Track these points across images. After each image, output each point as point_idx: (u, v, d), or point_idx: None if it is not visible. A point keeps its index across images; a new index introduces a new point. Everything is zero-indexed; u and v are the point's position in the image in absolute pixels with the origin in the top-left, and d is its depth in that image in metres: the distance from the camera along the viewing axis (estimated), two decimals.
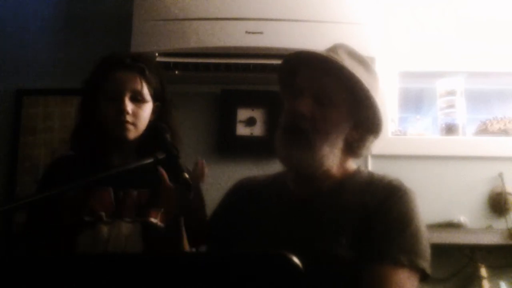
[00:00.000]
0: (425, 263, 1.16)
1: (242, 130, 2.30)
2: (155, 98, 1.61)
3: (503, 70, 2.40)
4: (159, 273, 0.72)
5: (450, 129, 2.27)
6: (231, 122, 2.30)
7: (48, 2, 2.50)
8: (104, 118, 1.57)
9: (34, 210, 1.57)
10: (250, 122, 2.31)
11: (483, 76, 2.43)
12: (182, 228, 1.34)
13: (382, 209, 1.20)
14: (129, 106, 1.54)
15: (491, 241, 2.08)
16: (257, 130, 2.30)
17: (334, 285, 1.14)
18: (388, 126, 2.27)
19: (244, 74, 2.23)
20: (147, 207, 1.54)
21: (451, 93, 2.30)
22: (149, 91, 1.59)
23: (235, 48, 2.12)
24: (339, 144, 1.27)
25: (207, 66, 2.19)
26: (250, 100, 2.33)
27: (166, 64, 2.13)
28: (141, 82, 1.57)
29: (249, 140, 2.28)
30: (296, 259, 0.69)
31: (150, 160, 1.26)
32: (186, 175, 1.24)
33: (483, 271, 2.04)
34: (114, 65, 1.60)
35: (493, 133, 2.27)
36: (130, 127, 1.55)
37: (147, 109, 1.59)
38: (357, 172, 1.32)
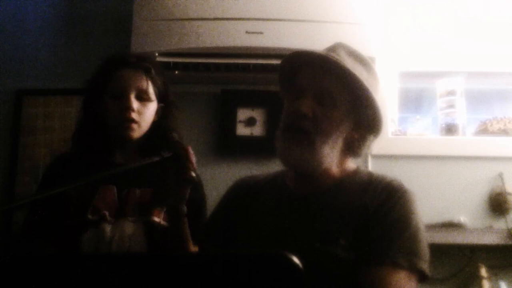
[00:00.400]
0: (424, 265, 1.16)
1: (242, 130, 2.30)
2: (159, 98, 1.61)
3: (503, 70, 2.40)
4: (159, 273, 0.72)
5: (450, 129, 2.27)
6: (231, 122, 2.30)
7: (48, 2, 2.50)
8: (108, 116, 1.56)
9: (35, 208, 1.56)
10: (250, 122, 2.31)
11: (483, 76, 2.43)
12: (186, 227, 1.34)
13: (382, 210, 1.20)
14: (135, 104, 1.54)
15: (491, 241, 2.08)
16: (257, 130, 2.30)
17: (332, 285, 1.14)
18: (388, 126, 2.27)
19: (244, 74, 2.23)
20: (150, 206, 1.53)
21: (451, 93, 2.29)
22: (154, 90, 1.59)
23: (235, 48, 2.12)
24: (339, 144, 1.27)
25: (207, 66, 2.19)
26: (250, 100, 2.33)
27: (166, 64, 2.13)
28: (147, 81, 1.57)
29: (249, 140, 2.28)
30: (296, 259, 0.69)
31: (156, 159, 1.25)
32: (193, 174, 1.24)
33: (483, 271, 2.04)
34: (119, 63, 1.59)
35: (493, 133, 2.27)
36: (134, 125, 1.54)
37: (152, 109, 1.59)
38: (356, 172, 1.32)
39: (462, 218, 2.16)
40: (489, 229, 2.14)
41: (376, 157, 2.19)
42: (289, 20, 2.11)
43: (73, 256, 0.83)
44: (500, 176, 2.19)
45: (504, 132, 2.26)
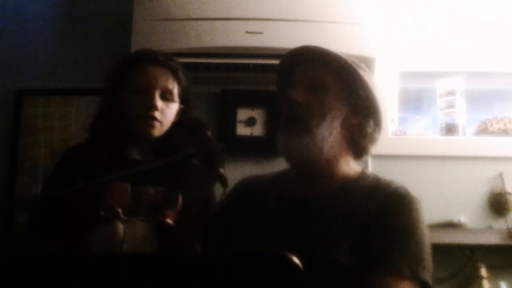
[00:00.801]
0: (427, 274, 1.15)
1: (242, 130, 2.30)
2: (181, 100, 1.59)
3: (503, 70, 2.40)
4: (159, 273, 0.72)
5: (450, 129, 2.27)
6: (231, 122, 2.30)
7: (48, 2, 2.50)
8: (129, 112, 1.53)
9: (45, 202, 1.51)
10: (250, 122, 2.30)
11: (483, 76, 2.43)
12: (196, 229, 1.34)
13: (387, 217, 1.19)
14: (159, 103, 1.51)
15: (491, 241, 2.08)
16: (257, 130, 2.30)
17: None
18: (388, 126, 2.27)
19: (244, 74, 2.23)
20: (163, 207, 1.50)
21: (451, 93, 2.29)
22: (178, 91, 1.57)
23: (235, 48, 2.12)
24: (337, 127, 1.26)
25: (207, 66, 2.19)
26: (250, 100, 2.33)
27: None
28: (173, 82, 1.55)
29: (249, 140, 2.28)
30: (296, 259, 0.69)
31: (181, 156, 1.23)
32: (222, 171, 1.22)
33: (483, 271, 2.04)
34: (146, 59, 1.57)
35: (493, 133, 2.27)
36: (157, 124, 1.51)
37: (174, 109, 1.57)
38: (362, 176, 1.31)
39: (462, 218, 2.16)
40: (489, 229, 2.14)
41: (376, 157, 2.18)
42: (289, 20, 2.11)
43: (73, 256, 0.83)
44: (500, 176, 2.19)
45: (504, 132, 2.26)
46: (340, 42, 1.94)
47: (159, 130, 1.53)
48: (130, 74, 1.55)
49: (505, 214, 2.14)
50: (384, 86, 2.21)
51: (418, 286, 1.15)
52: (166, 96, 1.54)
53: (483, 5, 2.38)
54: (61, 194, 1.36)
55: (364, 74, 1.31)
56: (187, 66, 2.18)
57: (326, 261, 1.14)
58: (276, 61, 2.12)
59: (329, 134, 1.25)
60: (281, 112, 1.33)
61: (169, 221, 1.49)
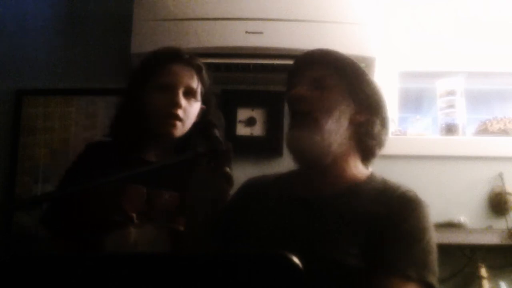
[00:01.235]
0: (433, 278, 1.15)
1: (242, 130, 2.30)
2: (203, 100, 1.57)
3: (503, 70, 2.40)
4: (159, 273, 0.72)
5: (450, 129, 2.27)
6: (231, 122, 2.30)
7: (48, 2, 2.50)
8: (151, 109, 1.51)
9: (61, 201, 1.49)
10: (250, 122, 2.30)
11: (483, 76, 2.42)
12: (206, 233, 1.34)
13: (395, 220, 1.18)
14: (182, 101, 1.49)
15: (491, 241, 2.08)
16: (257, 130, 2.30)
17: None
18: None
19: (244, 74, 2.23)
20: (177, 213, 1.47)
21: (451, 93, 2.29)
22: (201, 91, 1.55)
23: (235, 48, 2.12)
24: (344, 124, 1.26)
25: (207, 66, 2.19)
26: (250, 100, 2.33)
27: None
28: (197, 80, 1.54)
29: (249, 140, 2.28)
30: (296, 259, 0.69)
31: (190, 154, 1.22)
32: (228, 169, 1.21)
33: (483, 271, 2.04)
34: (171, 57, 1.55)
35: (493, 133, 2.27)
36: (179, 123, 1.49)
37: (197, 109, 1.55)
38: (370, 178, 1.31)
39: (462, 218, 2.16)
40: (489, 229, 2.14)
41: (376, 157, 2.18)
42: (289, 20, 2.11)
43: (73, 256, 0.83)
44: (500, 176, 2.19)
45: (504, 132, 2.26)
46: (340, 42, 1.94)
47: (180, 129, 1.50)
48: (153, 72, 1.53)
49: (505, 214, 2.14)
50: (384, 86, 2.21)
51: None
52: (190, 95, 1.52)
53: (483, 5, 2.38)
54: (69, 194, 1.35)
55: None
56: None
57: (326, 261, 1.14)
58: (276, 61, 2.15)
59: (337, 129, 1.25)
60: (289, 108, 1.34)
61: (183, 228, 1.47)
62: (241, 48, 2.12)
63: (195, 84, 1.54)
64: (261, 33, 2.10)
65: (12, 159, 2.32)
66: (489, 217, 2.18)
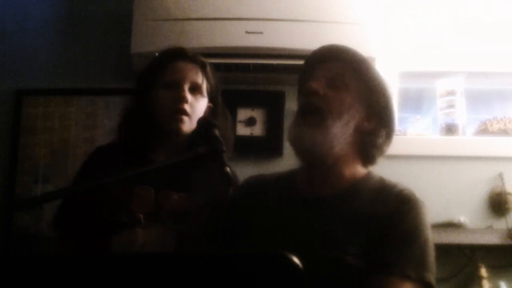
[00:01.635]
0: (432, 276, 1.16)
1: (242, 130, 2.30)
2: (209, 97, 1.59)
3: (503, 70, 2.40)
4: (159, 273, 0.72)
5: (450, 129, 2.27)
6: (231, 122, 2.30)
7: (48, 2, 2.50)
8: (158, 106, 1.53)
9: (69, 200, 1.51)
10: (250, 122, 2.30)
11: (483, 76, 2.42)
12: (208, 234, 1.34)
13: (393, 219, 1.19)
14: (188, 96, 1.52)
15: (491, 241, 2.08)
16: (257, 130, 2.30)
17: None
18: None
19: (244, 74, 2.23)
20: (184, 214, 1.48)
21: (451, 93, 2.29)
22: (206, 87, 1.57)
23: (235, 48, 2.12)
24: (350, 128, 1.26)
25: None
26: (250, 100, 2.32)
27: None
28: (202, 75, 1.56)
29: (249, 140, 2.28)
30: (296, 259, 0.69)
31: (190, 155, 1.22)
32: (229, 170, 1.20)
33: (483, 271, 2.04)
34: (176, 55, 1.58)
35: (493, 133, 2.27)
36: (186, 118, 1.51)
37: (203, 104, 1.57)
38: (368, 177, 1.31)
39: (462, 218, 2.16)
40: (489, 229, 2.14)
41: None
42: (289, 20, 2.11)
43: (73, 256, 0.83)
44: (500, 176, 2.19)
45: (504, 132, 2.26)
46: (340, 42, 1.92)
47: (188, 125, 1.51)
48: (159, 71, 1.56)
49: (505, 214, 2.14)
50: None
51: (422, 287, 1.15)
52: (195, 90, 1.55)
53: (483, 5, 2.38)
54: (69, 194, 1.36)
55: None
56: None
57: (327, 261, 1.14)
58: (276, 61, 2.15)
59: (342, 134, 1.24)
60: (299, 101, 1.33)
61: (189, 229, 1.47)
62: (241, 48, 2.12)
63: (200, 79, 1.56)
64: (261, 33, 2.10)
65: (12, 159, 2.32)
66: (489, 217, 2.18)
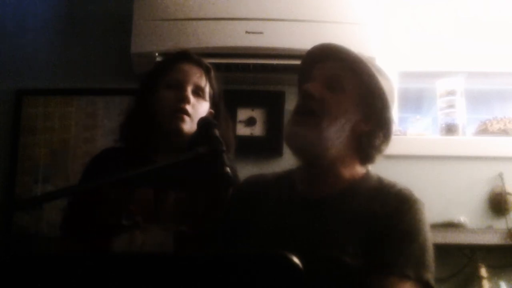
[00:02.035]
0: (431, 276, 1.16)
1: (242, 130, 2.30)
2: (212, 103, 1.60)
3: (503, 70, 2.40)
4: (159, 274, 0.72)
5: (450, 129, 2.27)
6: (231, 122, 2.29)
7: (48, 2, 2.50)
8: (161, 107, 1.53)
9: (74, 204, 1.53)
10: (250, 122, 2.30)
11: (483, 76, 2.42)
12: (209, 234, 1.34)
13: (391, 219, 1.19)
14: (191, 97, 1.53)
15: (491, 241, 2.08)
16: (257, 130, 2.30)
17: None
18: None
19: (244, 74, 2.23)
20: (184, 214, 1.49)
21: (451, 93, 2.29)
22: (209, 92, 1.59)
23: (235, 48, 2.12)
24: (346, 131, 1.25)
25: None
26: (250, 100, 2.32)
27: None
28: (205, 79, 1.57)
29: (249, 140, 2.28)
30: (296, 259, 0.69)
31: (190, 154, 1.22)
32: (228, 170, 1.20)
33: (483, 271, 2.04)
34: (180, 57, 1.60)
35: (493, 133, 2.27)
36: (187, 118, 1.51)
37: (205, 107, 1.58)
38: (366, 177, 1.31)
39: (462, 218, 2.16)
40: (489, 229, 2.14)
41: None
42: (289, 20, 2.11)
43: (73, 256, 0.83)
44: (500, 176, 2.19)
45: (504, 132, 2.26)
46: (340, 42, 1.93)
47: (189, 125, 1.52)
48: (163, 72, 1.58)
49: (505, 214, 2.14)
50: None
51: (421, 287, 1.15)
52: (198, 93, 1.56)
53: (483, 5, 2.38)
54: (85, 196, 1.37)
55: (386, 82, 1.30)
56: None
57: (326, 261, 1.15)
58: (276, 61, 2.15)
59: (338, 136, 1.24)
60: (296, 101, 1.33)
61: (189, 229, 1.48)
62: (241, 48, 2.12)
63: (203, 83, 1.57)
64: (261, 33, 2.10)
65: (12, 159, 2.32)
66: (489, 217, 2.18)
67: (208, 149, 1.21)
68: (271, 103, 2.28)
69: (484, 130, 2.29)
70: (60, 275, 0.73)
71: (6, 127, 2.35)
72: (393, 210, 1.20)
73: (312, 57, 1.35)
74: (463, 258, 2.11)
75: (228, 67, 2.19)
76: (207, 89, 1.58)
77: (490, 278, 2.04)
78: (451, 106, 2.28)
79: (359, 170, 1.32)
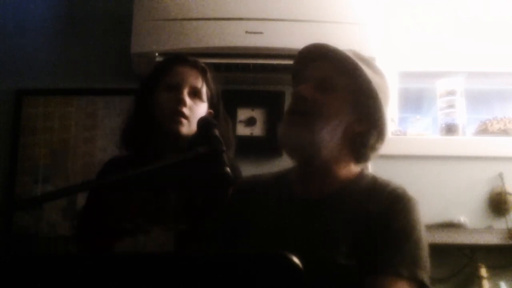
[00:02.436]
0: (425, 275, 1.16)
1: (242, 130, 2.30)
2: (210, 103, 1.61)
3: (503, 70, 2.40)
4: (159, 273, 0.72)
5: (450, 129, 2.27)
6: (231, 122, 2.29)
7: (48, 2, 2.50)
8: (159, 109, 1.55)
9: (88, 209, 1.58)
10: (250, 122, 2.30)
11: (483, 76, 2.42)
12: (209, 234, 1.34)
13: (385, 218, 1.19)
14: (187, 99, 1.54)
15: (491, 241, 2.08)
16: (257, 130, 2.30)
17: None
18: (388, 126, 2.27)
19: (244, 74, 2.23)
20: (184, 214, 1.50)
21: (451, 93, 2.29)
22: (206, 92, 1.60)
23: (235, 48, 2.12)
24: (339, 132, 1.25)
25: (208, 66, 2.19)
26: (250, 100, 2.32)
27: None
28: (202, 81, 1.59)
29: (249, 140, 2.28)
30: (296, 259, 0.69)
31: (190, 154, 1.21)
32: (228, 170, 1.19)
33: (483, 271, 2.04)
34: (176, 60, 1.62)
35: (493, 133, 2.27)
36: (184, 121, 1.53)
37: (203, 108, 1.59)
38: (360, 176, 1.31)
39: (462, 218, 2.16)
40: (489, 229, 2.14)
41: (376, 157, 2.18)
42: (289, 20, 2.11)
43: (73, 256, 0.83)
44: (500, 176, 2.19)
45: (504, 132, 2.26)
46: (340, 42, 1.93)
47: (187, 127, 1.53)
48: (161, 75, 1.59)
49: (505, 214, 2.14)
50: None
51: (416, 287, 1.15)
52: (195, 95, 1.57)
53: (483, 5, 2.38)
54: (95, 203, 1.40)
55: (380, 80, 1.29)
56: None
57: (326, 262, 1.15)
58: (276, 61, 2.15)
59: (331, 137, 1.24)
60: (289, 104, 1.33)
61: (189, 229, 1.49)
62: (241, 48, 2.12)
63: (200, 84, 1.58)
64: (261, 33, 2.10)
65: (12, 159, 2.32)
66: (489, 217, 2.18)
67: (208, 149, 1.21)
68: (271, 103, 2.28)
69: (484, 130, 2.29)
70: (60, 275, 0.73)
71: (6, 127, 2.35)
72: (387, 209, 1.20)
73: (304, 58, 1.34)
74: (463, 258, 2.11)
75: (228, 67, 2.19)
76: (204, 90, 1.59)
77: (490, 278, 2.04)
78: (451, 106, 2.28)
79: (354, 169, 1.32)
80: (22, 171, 2.30)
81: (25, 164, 2.31)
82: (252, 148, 2.26)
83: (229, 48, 2.12)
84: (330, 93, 1.26)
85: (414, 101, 2.50)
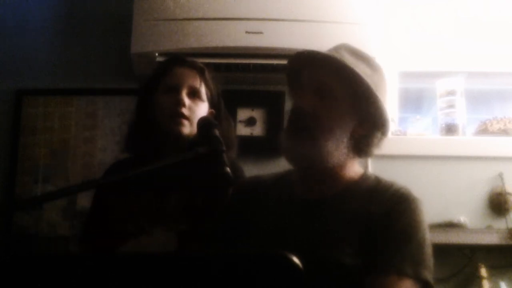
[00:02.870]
0: (429, 274, 1.16)
1: (242, 130, 2.30)
2: (210, 103, 1.62)
3: (503, 70, 2.40)
4: (159, 273, 0.72)
5: (450, 129, 2.27)
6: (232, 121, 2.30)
7: (48, 2, 2.50)
8: (159, 111, 1.56)
9: (93, 212, 1.60)
10: (250, 122, 2.30)
11: (483, 76, 2.42)
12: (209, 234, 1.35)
13: (389, 218, 1.19)
14: (186, 100, 1.55)
15: (491, 241, 2.08)
16: (257, 130, 2.30)
17: None
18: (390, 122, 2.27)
19: (244, 74, 2.23)
20: (184, 214, 1.51)
21: (451, 93, 2.29)
22: (206, 92, 1.61)
23: (235, 48, 2.12)
24: (344, 140, 1.25)
25: (207, 66, 2.19)
26: (250, 100, 2.32)
27: None
28: (200, 81, 1.60)
29: (249, 140, 2.27)
30: (296, 259, 0.69)
31: (190, 154, 1.21)
32: (228, 170, 1.20)
33: (483, 271, 2.04)
34: (175, 61, 1.63)
35: (493, 133, 2.27)
36: (185, 121, 1.54)
37: (203, 108, 1.60)
38: (363, 177, 1.31)
39: (462, 218, 2.16)
40: (489, 229, 2.14)
41: (376, 157, 2.16)
42: (289, 20, 2.11)
43: (73, 256, 0.83)
44: (500, 176, 2.19)
45: (504, 132, 2.26)
46: (340, 42, 1.94)
47: (188, 128, 1.54)
48: (160, 78, 1.61)
49: (505, 214, 2.14)
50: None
51: (420, 286, 1.15)
52: (194, 95, 1.58)
53: (483, 5, 2.38)
54: (100, 206, 1.40)
55: (378, 78, 1.29)
56: None
57: (327, 262, 1.15)
58: (276, 61, 2.15)
59: (336, 147, 1.24)
60: (288, 115, 1.32)
61: (189, 228, 1.50)
62: (241, 48, 2.12)
63: (198, 84, 1.59)
64: (261, 33, 2.10)
65: (12, 159, 2.32)
66: (489, 217, 2.18)
67: (208, 149, 1.21)
68: (271, 103, 2.28)
69: (484, 130, 2.29)
70: (60, 275, 0.73)
71: (6, 127, 2.35)
72: (391, 210, 1.20)
73: (300, 65, 1.32)
74: (463, 258, 2.11)
75: (228, 67, 2.19)
76: (203, 90, 1.60)
77: (490, 278, 2.04)
78: (451, 106, 2.28)
79: (357, 170, 1.32)
80: (22, 171, 2.30)
81: (25, 164, 2.31)
82: (252, 148, 2.26)
83: (229, 48, 2.12)
84: (330, 100, 1.25)
85: (414, 101, 2.50)
